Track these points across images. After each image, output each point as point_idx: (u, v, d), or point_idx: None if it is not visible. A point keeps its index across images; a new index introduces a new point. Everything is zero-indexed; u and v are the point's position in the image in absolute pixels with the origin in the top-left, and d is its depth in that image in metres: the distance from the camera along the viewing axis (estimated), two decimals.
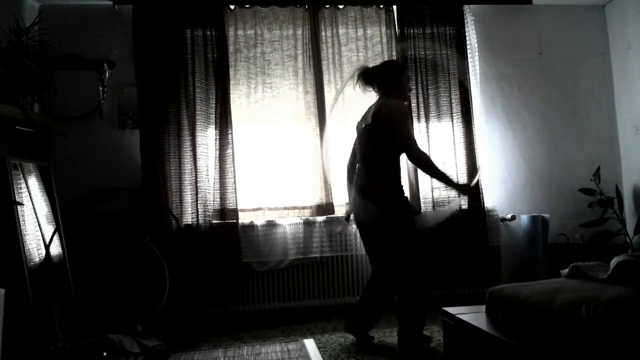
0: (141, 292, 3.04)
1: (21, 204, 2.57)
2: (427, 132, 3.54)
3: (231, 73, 3.46)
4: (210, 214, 3.36)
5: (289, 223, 3.45)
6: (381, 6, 3.62)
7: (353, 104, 3.50)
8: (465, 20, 3.68)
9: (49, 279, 2.68)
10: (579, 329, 1.57)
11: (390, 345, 2.76)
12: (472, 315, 2.09)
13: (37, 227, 2.75)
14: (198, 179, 3.36)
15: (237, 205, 3.36)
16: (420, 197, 3.50)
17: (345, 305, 3.46)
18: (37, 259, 2.66)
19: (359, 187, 2.72)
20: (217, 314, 3.31)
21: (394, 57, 3.58)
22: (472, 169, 3.55)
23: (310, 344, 2.81)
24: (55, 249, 2.87)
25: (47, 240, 2.79)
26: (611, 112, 3.92)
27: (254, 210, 3.48)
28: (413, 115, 3.52)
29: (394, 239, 2.65)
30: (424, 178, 3.51)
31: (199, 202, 3.34)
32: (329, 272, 3.49)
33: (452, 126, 3.58)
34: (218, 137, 3.39)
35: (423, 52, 3.60)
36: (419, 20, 3.61)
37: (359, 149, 2.80)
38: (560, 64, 3.88)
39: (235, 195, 3.37)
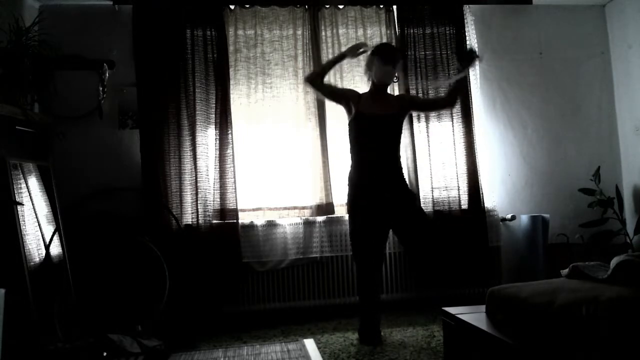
0: (141, 292, 3.04)
1: (21, 204, 2.57)
2: (427, 132, 3.54)
3: (231, 73, 3.46)
4: (210, 214, 3.36)
5: (289, 223, 3.45)
6: (381, 6, 3.62)
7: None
8: (465, 20, 3.68)
9: (49, 279, 2.68)
10: (579, 329, 1.57)
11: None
12: (472, 315, 2.09)
13: (37, 227, 2.75)
14: (198, 179, 3.36)
15: (237, 205, 3.36)
16: (420, 198, 3.50)
17: (346, 305, 3.46)
18: (37, 259, 2.66)
19: None
20: (217, 314, 3.31)
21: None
22: (472, 169, 3.55)
23: (310, 344, 2.81)
24: (55, 249, 2.87)
25: (47, 240, 2.79)
26: (611, 112, 3.92)
27: (254, 210, 3.48)
28: (412, 114, 3.50)
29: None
30: (423, 178, 3.51)
31: (199, 202, 3.34)
32: (329, 272, 3.49)
33: (452, 126, 3.58)
34: (218, 137, 3.39)
35: (423, 52, 3.60)
36: (419, 20, 3.61)
37: None
38: (560, 64, 3.88)
39: (235, 195, 3.37)
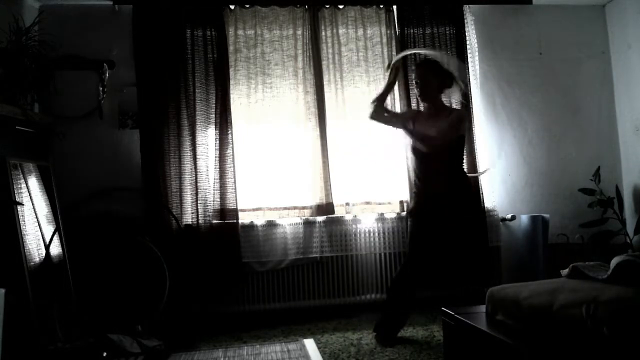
0: (141, 292, 3.04)
1: (21, 204, 2.57)
2: None
3: (231, 73, 3.46)
4: (210, 214, 3.36)
5: (289, 223, 3.45)
6: (381, 6, 3.62)
7: (353, 104, 3.51)
8: (465, 20, 3.68)
9: (49, 279, 2.68)
10: (579, 329, 1.57)
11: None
12: (472, 315, 2.09)
13: (37, 227, 2.75)
14: (198, 179, 3.36)
15: (237, 205, 3.36)
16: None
17: (346, 305, 3.47)
18: (37, 259, 2.66)
19: None
20: (217, 314, 3.31)
21: (394, 57, 3.57)
22: (472, 169, 3.55)
23: (310, 344, 2.81)
24: (55, 249, 2.87)
25: (47, 240, 2.79)
26: (611, 112, 3.92)
27: (254, 210, 3.48)
28: None
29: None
30: None
31: (199, 202, 3.34)
32: (329, 272, 3.49)
33: None
34: (218, 137, 3.39)
35: None
36: (419, 20, 3.61)
37: None
38: (560, 64, 3.88)
39: (235, 195, 3.37)
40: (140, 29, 3.39)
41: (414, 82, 2.96)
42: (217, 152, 3.38)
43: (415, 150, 2.85)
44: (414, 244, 2.87)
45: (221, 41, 3.43)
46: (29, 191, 2.75)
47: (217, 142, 3.39)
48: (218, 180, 3.37)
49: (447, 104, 3.11)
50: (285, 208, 3.50)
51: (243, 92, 3.49)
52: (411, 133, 2.85)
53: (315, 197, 3.46)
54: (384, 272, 3.51)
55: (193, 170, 3.37)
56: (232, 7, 3.51)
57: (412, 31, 3.60)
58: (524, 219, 3.62)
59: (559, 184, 3.80)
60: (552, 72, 3.87)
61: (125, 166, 3.41)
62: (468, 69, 3.64)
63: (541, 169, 3.81)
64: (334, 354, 2.66)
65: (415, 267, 2.84)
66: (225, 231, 3.34)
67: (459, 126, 2.78)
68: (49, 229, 2.85)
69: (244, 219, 3.42)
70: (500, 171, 3.76)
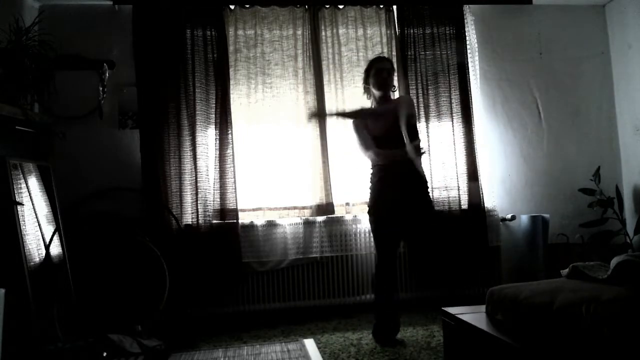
0: (141, 292, 3.04)
1: (21, 204, 2.57)
2: (427, 132, 3.54)
3: (231, 73, 3.46)
4: (210, 214, 3.36)
5: (289, 223, 3.45)
6: (381, 6, 3.62)
7: (353, 104, 3.51)
8: (465, 20, 3.68)
9: (49, 279, 2.68)
10: (579, 329, 1.57)
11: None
12: (472, 315, 2.09)
13: (37, 227, 2.75)
14: (198, 179, 3.36)
15: (237, 205, 3.36)
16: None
17: (346, 305, 3.47)
18: (37, 259, 2.66)
19: None
20: (217, 314, 3.31)
21: (394, 57, 3.57)
22: (472, 169, 3.55)
23: (310, 344, 2.81)
24: (55, 249, 2.87)
25: (47, 240, 2.79)
26: (611, 112, 3.92)
27: (254, 210, 3.48)
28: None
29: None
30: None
31: (199, 202, 3.34)
32: (329, 272, 3.49)
33: (452, 126, 3.58)
34: (218, 137, 3.39)
35: (423, 52, 3.60)
36: (419, 20, 3.61)
37: None
38: (560, 64, 3.88)
39: (235, 195, 3.37)
40: (140, 29, 3.39)
41: (376, 71, 2.86)
42: (217, 152, 3.38)
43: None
44: (377, 243, 2.87)
45: (221, 41, 3.43)
46: (29, 191, 2.74)
47: (217, 142, 3.39)
48: (218, 180, 3.37)
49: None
50: (285, 208, 3.50)
51: (243, 92, 3.50)
52: (374, 134, 2.85)
53: (315, 197, 3.46)
54: None
55: (193, 170, 3.37)
56: (232, 7, 3.51)
57: (412, 31, 3.60)
58: (524, 219, 3.62)
59: (559, 184, 3.80)
60: (552, 72, 3.87)
61: (125, 166, 3.41)
62: (468, 68, 3.63)
63: (541, 169, 3.81)
64: (334, 354, 2.66)
65: (383, 267, 2.82)
66: (225, 231, 3.34)
67: (411, 106, 2.90)
68: (49, 229, 2.85)
69: (244, 219, 3.42)
70: (500, 171, 3.77)
